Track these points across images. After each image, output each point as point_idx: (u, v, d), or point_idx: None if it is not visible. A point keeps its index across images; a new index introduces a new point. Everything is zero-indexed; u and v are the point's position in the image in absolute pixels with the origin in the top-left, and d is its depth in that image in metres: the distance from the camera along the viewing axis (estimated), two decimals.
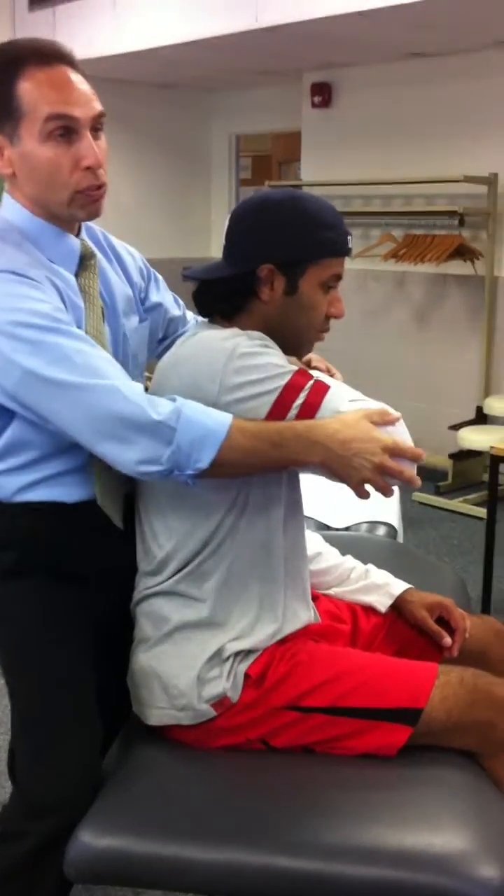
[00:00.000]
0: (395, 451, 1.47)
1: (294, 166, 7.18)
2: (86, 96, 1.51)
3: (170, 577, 1.60)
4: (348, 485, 1.49)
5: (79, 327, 1.50)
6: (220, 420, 1.43)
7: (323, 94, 5.98)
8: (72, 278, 1.56)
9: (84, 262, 1.59)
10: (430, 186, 5.42)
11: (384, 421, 1.50)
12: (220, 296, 1.64)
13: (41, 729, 1.56)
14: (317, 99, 6.01)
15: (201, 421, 1.42)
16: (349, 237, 1.65)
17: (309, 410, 1.49)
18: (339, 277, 1.64)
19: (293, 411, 1.48)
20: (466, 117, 5.28)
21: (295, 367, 1.52)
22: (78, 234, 1.61)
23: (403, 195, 5.67)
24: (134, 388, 1.43)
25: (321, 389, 1.51)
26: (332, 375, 1.79)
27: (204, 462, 1.42)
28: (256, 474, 1.54)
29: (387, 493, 1.49)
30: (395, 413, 1.53)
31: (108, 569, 1.65)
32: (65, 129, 1.48)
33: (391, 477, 1.47)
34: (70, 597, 1.61)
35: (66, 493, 1.58)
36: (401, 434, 1.52)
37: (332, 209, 1.64)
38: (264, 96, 6.75)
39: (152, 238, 6.79)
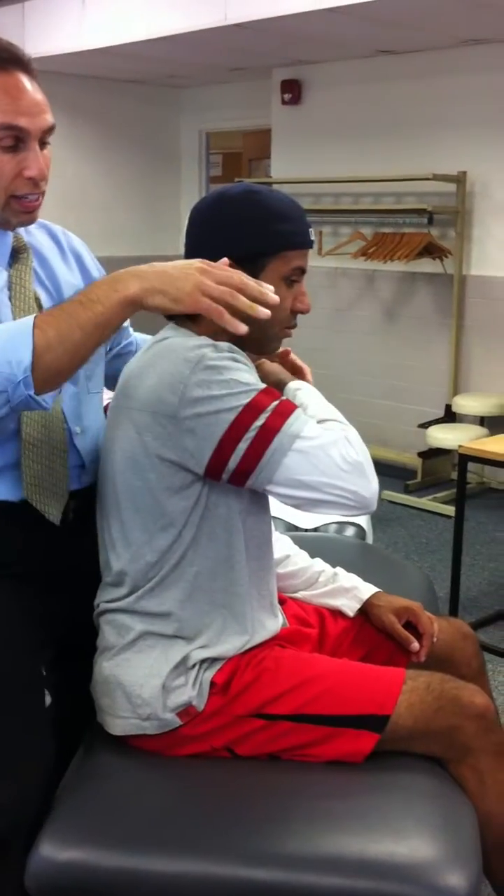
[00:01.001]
0: (208, 270, 1.40)
1: (264, 163, 7.17)
2: (38, 107, 1.49)
3: (130, 594, 1.58)
4: (185, 304, 1.38)
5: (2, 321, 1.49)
6: (22, 320, 1.39)
7: (293, 91, 5.97)
8: (3, 272, 1.56)
9: (16, 255, 1.58)
10: (400, 184, 5.43)
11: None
12: None
13: None
14: (287, 96, 6.00)
15: (4, 328, 1.39)
16: (310, 229, 1.62)
17: (268, 434, 1.44)
18: (302, 271, 1.62)
19: (251, 433, 1.44)
20: (435, 115, 5.29)
21: (261, 386, 1.48)
22: (13, 230, 1.59)
23: (373, 193, 5.68)
24: None
25: (285, 411, 1.47)
26: (301, 372, 1.76)
27: (25, 358, 1.34)
28: (89, 354, 1.42)
29: (236, 328, 1.40)
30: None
31: (59, 570, 1.62)
32: (14, 139, 1.47)
33: (222, 301, 1.39)
34: (18, 596, 1.58)
35: (7, 490, 1.55)
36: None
37: (291, 202, 1.62)
38: (234, 93, 6.73)
39: (122, 235, 6.76)
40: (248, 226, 1.57)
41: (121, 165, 6.82)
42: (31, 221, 1.57)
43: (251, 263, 1.57)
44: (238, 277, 1.42)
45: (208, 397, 1.44)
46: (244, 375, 1.48)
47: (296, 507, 1.52)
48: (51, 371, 1.36)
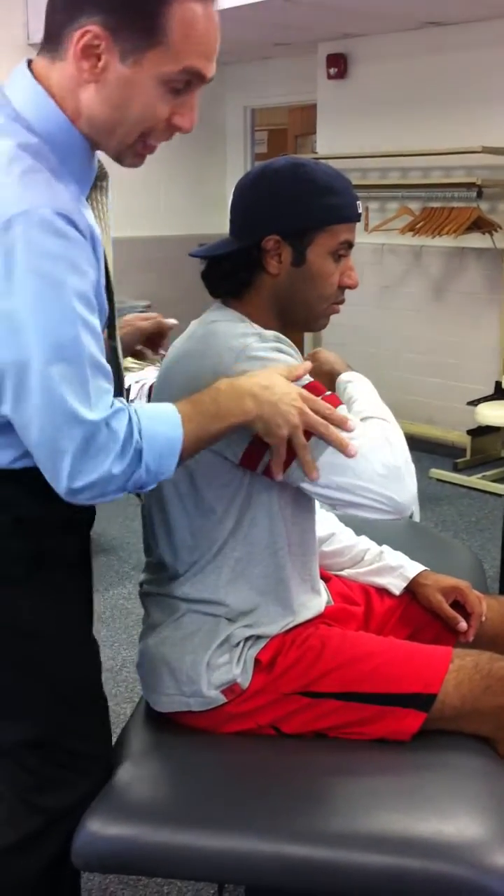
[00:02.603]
0: (308, 399, 1.40)
1: (310, 139, 7.11)
2: (217, 52, 1.31)
3: (172, 579, 1.58)
4: (278, 434, 1.38)
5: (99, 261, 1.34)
6: (172, 421, 1.32)
7: (339, 65, 5.90)
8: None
9: (97, 183, 1.42)
10: (448, 158, 5.34)
11: (292, 375, 1.43)
12: (227, 273, 1.60)
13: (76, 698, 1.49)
14: (332, 70, 5.93)
15: (160, 432, 1.30)
16: (358, 202, 1.59)
17: (305, 431, 1.41)
18: (350, 245, 1.59)
19: None
20: (484, 87, 5.19)
21: (305, 381, 1.45)
22: (127, 166, 1.42)
23: (421, 167, 5.60)
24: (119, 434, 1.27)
25: (330, 402, 1.44)
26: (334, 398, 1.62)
27: (169, 472, 1.32)
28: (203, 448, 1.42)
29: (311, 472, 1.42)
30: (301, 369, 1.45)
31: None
32: (185, 85, 1.28)
33: (317, 432, 1.40)
34: (87, 585, 1.57)
35: None
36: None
37: (337, 174, 1.59)
38: (279, 68, 6.67)
39: (167, 214, 6.74)
40: (294, 200, 1.55)
41: (165, 144, 6.79)
42: (139, 164, 1.38)
43: (298, 238, 1.55)
44: (330, 409, 1.41)
45: None
46: (289, 362, 1.46)
47: (330, 507, 1.50)
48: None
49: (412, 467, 1.47)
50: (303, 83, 6.31)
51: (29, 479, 1.32)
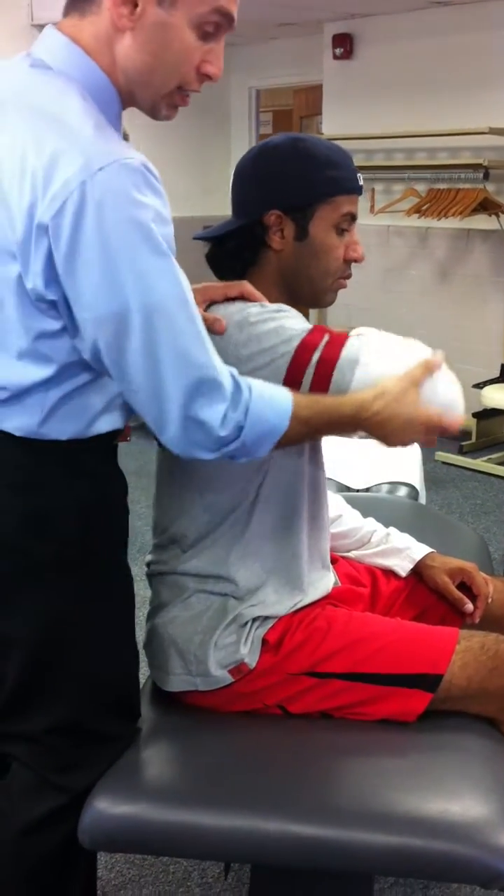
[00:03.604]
0: (436, 428, 1.41)
1: (316, 120, 7.06)
2: None
3: (181, 554, 1.57)
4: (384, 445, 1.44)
5: None
6: (283, 411, 1.32)
7: (344, 45, 5.86)
8: None
9: None
10: (455, 139, 5.31)
11: (428, 373, 1.44)
12: (231, 251, 1.59)
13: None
14: (338, 51, 5.89)
15: (266, 417, 1.31)
16: (359, 175, 1.58)
17: (327, 367, 1.42)
18: (352, 218, 1.58)
19: (310, 370, 1.42)
20: (491, 68, 5.15)
21: (309, 326, 1.46)
22: (160, 119, 1.43)
23: (427, 148, 5.57)
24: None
25: (337, 342, 1.44)
26: None
27: (261, 454, 1.35)
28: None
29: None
30: (436, 357, 1.46)
31: None
32: (216, 28, 1.28)
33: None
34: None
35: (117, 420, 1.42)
36: (448, 396, 1.45)
37: (337, 148, 1.58)
38: (284, 49, 6.62)
39: (171, 196, 6.59)
40: (294, 174, 1.54)
41: (169, 125, 6.69)
42: (173, 117, 1.38)
43: (300, 212, 1.54)
44: (448, 427, 1.42)
45: (259, 351, 1.43)
46: (290, 322, 1.46)
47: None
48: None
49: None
50: (308, 64, 6.27)
51: (82, 457, 1.33)
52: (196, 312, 1.26)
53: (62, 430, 1.32)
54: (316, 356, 1.42)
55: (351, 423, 1.39)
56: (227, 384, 1.27)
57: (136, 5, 1.23)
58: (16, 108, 1.23)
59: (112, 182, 1.17)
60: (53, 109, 1.22)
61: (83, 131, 1.19)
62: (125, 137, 1.36)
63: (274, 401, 1.33)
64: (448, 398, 1.45)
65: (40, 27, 1.36)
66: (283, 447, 1.37)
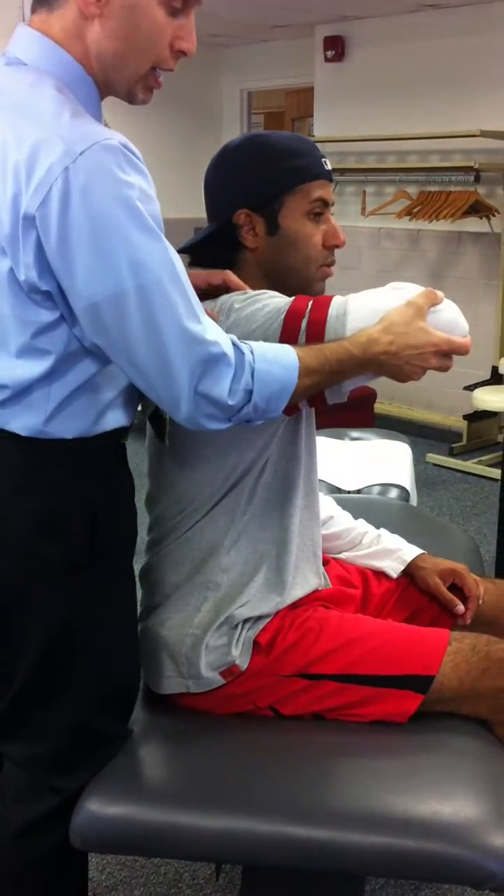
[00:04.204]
0: (446, 351, 1.43)
1: (307, 122, 7.07)
2: None
3: (176, 539, 1.58)
4: (397, 380, 1.46)
5: None
6: (290, 365, 1.34)
7: (336, 47, 5.87)
8: None
9: None
10: (446, 142, 5.33)
11: (433, 304, 1.45)
12: (209, 256, 1.59)
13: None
14: (330, 53, 5.90)
15: (273, 375, 1.32)
16: (324, 160, 1.58)
17: (318, 327, 1.43)
18: (325, 203, 1.57)
19: (301, 336, 1.43)
20: (483, 70, 5.17)
21: (290, 298, 1.46)
22: (137, 104, 1.42)
23: (418, 151, 5.58)
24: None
25: (323, 302, 1.45)
26: None
27: (277, 413, 1.36)
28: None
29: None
30: (438, 293, 1.47)
31: None
32: (184, 3, 1.29)
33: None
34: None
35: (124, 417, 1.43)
36: (449, 314, 1.47)
37: (298, 137, 1.60)
38: (276, 51, 6.63)
39: (161, 197, 6.61)
40: (255, 168, 1.55)
41: (161, 126, 6.76)
42: (149, 100, 1.38)
43: (267, 206, 1.55)
44: (458, 347, 1.45)
45: (250, 332, 1.43)
46: (274, 300, 1.46)
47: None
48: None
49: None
50: (300, 66, 6.28)
51: (89, 455, 1.34)
52: (190, 288, 1.26)
53: (68, 427, 1.32)
54: (304, 322, 1.43)
55: (362, 362, 1.40)
56: (230, 352, 1.28)
57: None
58: None
59: (94, 164, 1.17)
60: (29, 102, 1.23)
61: (60, 119, 1.20)
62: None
63: (279, 357, 1.34)
64: (450, 317, 1.47)
65: None
66: (300, 401, 1.39)
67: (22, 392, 1.29)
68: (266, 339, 1.42)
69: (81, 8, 1.24)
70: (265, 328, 1.43)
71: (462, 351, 1.44)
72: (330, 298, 1.46)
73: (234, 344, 1.30)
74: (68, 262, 1.19)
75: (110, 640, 1.42)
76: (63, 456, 1.33)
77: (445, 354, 1.43)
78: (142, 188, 1.22)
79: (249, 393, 1.30)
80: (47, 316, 1.25)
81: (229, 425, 1.33)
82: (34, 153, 1.17)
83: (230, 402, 1.29)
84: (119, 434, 1.40)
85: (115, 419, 1.37)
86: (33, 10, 1.30)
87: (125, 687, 1.50)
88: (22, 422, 1.30)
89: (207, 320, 1.29)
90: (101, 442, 1.36)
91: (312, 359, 1.37)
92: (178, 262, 1.26)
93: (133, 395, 1.41)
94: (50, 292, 1.23)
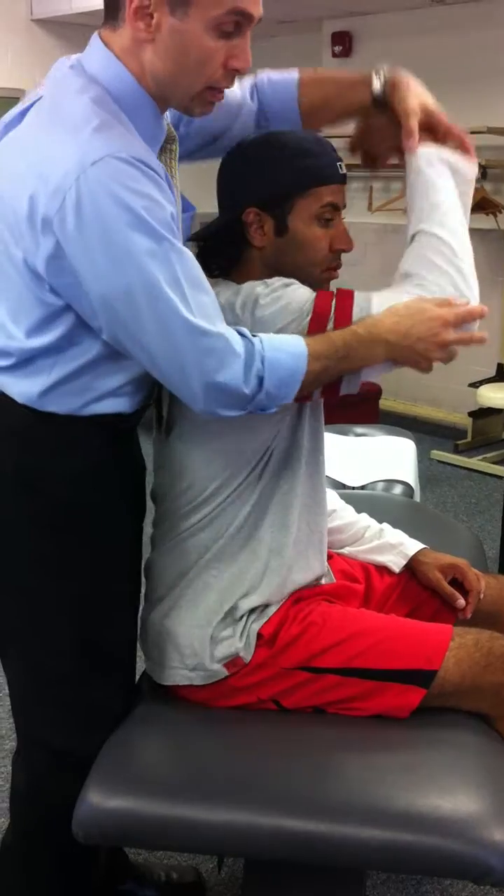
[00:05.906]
0: (457, 321, 1.46)
1: None
2: None
3: (181, 527, 1.58)
4: (417, 369, 1.48)
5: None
6: (297, 352, 1.39)
7: (343, 43, 5.86)
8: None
9: (165, 146, 1.47)
10: None
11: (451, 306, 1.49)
12: (214, 250, 1.59)
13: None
14: (337, 48, 5.89)
15: (282, 361, 1.38)
16: (339, 163, 1.56)
17: (343, 325, 1.45)
18: (335, 207, 1.56)
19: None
20: (490, 67, 5.16)
21: (313, 295, 1.46)
22: (196, 116, 1.49)
23: None
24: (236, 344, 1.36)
25: (346, 303, 1.46)
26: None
27: (288, 399, 1.40)
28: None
29: (454, 356, 1.50)
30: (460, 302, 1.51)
31: None
32: (235, 26, 1.35)
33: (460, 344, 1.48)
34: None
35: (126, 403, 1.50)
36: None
37: (314, 137, 1.57)
38: (283, 46, 6.60)
39: None
40: (269, 166, 1.53)
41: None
42: (209, 113, 1.45)
43: (277, 207, 1.53)
44: (470, 314, 1.51)
45: (276, 332, 1.43)
46: (298, 293, 1.46)
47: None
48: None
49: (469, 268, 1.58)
50: (307, 61, 6.24)
51: (79, 433, 1.43)
52: (200, 286, 1.34)
53: (60, 403, 1.41)
54: (330, 323, 1.45)
55: (368, 342, 1.42)
56: (237, 343, 1.34)
57: (151, 17, 1.31)
58: (40, 106, 1.35)
59: (102, 175, 1.25)
60: (65, 107, 1.32)
61: (85, 128, 1.28)
62: (171, 139, 1.46)
63: (286, 344, 1.39)
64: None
65: (39, 22, 1.42)
66: (312, 389, 1.43)
67: (25, 361, 1.39)
68: None
69: (134, 32, 1.33)
70: (291, 331, 1.44)
71: (471, 316, 1.47)
72: (352, 299, 1.46)
73: (242, 335, 1.35)
74: (85, 261, 1.28)
75: (90, 601, 1.51)
76: (50, 429, 1.43)
77: (458, 326, 1.45)
78: (151, 197, 1.29)
79: (261, 380, 1.36)
80: (57, 301, 1.34)
81: (245, 413, 1.39)
82: (53, 157, 1.27)
83: (245, 390, 1.35)
84: (116, 419, 1.46)
85: (111, 405, 1.45)
86: (104, 22, 1.38)
87: (113, 644, 1.56)
88: (20, 388, 1.41)
89: (214, 315, 1.34)
90: (93, 422, 1.43)
91: (319, 343, 1.41)
92: (186, 263, 1.32)
93: (140, 386, 1.47)
94: (56, 291, 1.33)
